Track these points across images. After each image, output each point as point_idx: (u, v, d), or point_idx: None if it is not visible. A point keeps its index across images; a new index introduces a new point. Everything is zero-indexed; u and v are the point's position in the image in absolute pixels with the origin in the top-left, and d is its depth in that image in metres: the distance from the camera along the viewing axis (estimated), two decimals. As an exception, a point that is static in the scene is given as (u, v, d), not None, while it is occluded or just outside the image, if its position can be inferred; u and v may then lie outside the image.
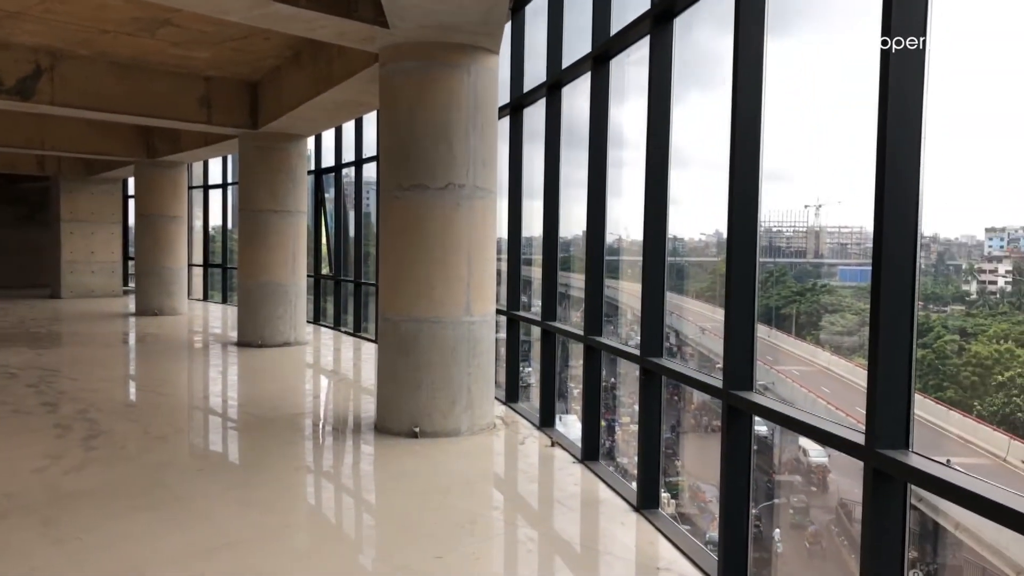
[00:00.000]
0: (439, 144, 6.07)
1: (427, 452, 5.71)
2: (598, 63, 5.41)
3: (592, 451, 5.49)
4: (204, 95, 10.41)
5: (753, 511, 3.94)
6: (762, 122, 3.58)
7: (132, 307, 15.60)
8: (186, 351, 11.11)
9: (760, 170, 3.61)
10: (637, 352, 4.68)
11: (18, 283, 21.16)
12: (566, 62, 6.05)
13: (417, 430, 6.08)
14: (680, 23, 4.46)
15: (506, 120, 7.32)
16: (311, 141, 14.17)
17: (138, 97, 9.86)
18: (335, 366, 10.11)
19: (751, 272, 3.64)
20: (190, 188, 18.51)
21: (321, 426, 6.53)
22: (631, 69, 5.31)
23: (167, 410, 7.06)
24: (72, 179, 18.59)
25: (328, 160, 13.85)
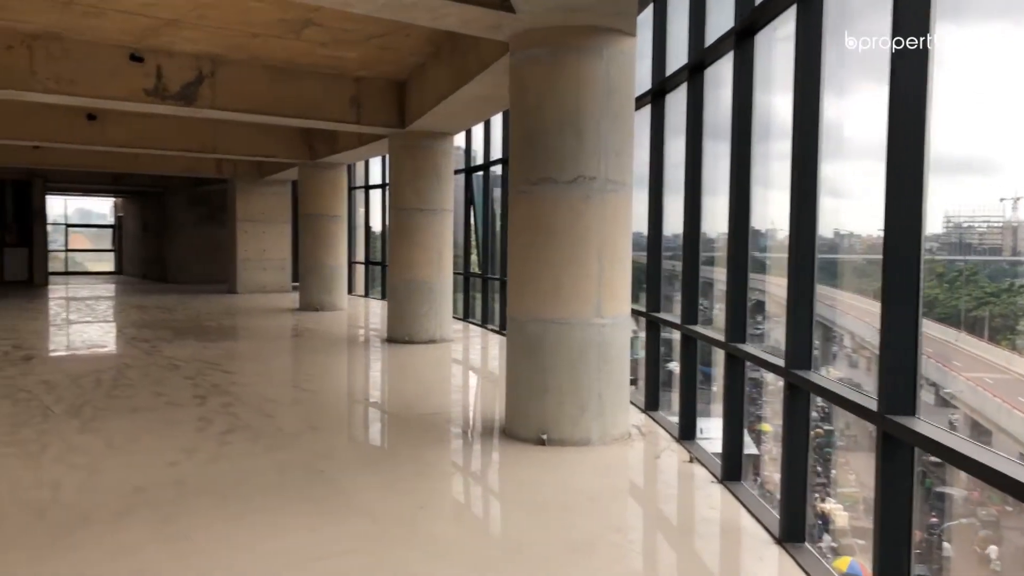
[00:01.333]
0: (567, 135, 5.71)
1: (552, 462, 5.37)
2: (741, 39, 4.86)
3: (733, 470, 4.95)
4: (355, 95, 10.56)
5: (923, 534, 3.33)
6: (927, 108, 2.97)
7: (297, 303, 16.26)
8: (336, 347, 11.35)
9: (925, 160, 2.99)
10: (781, 362, 4.12)
11: (202, 279, 22.75)
12: (709, 41, 5.52)
13: (544, 437, 5.75)
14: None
15: (647, 109, 6.86)
16: (462, 139, 14.20)
17: (291, 99, 10.14)
18: (474, 365, 9.97)
19: (913, 272, 3.03)
20: (353, 188, 19.16)
21: (450, 427, 6.33)
22: (781, 47, 4.73)
23: (305, 407, 7.13)
24: (246, 181, 19.69)
25: (479, 158, 13.82)
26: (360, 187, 19.42)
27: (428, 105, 9.58)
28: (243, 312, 15.45)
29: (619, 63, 5.81)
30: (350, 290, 19.12)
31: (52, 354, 9.73)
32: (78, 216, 32.97)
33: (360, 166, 19.00)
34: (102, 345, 10.88)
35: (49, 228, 28.38)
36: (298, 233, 16.89)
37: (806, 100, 3.94)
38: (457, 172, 14.52)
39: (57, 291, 20.31)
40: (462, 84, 8.09)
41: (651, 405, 6.88)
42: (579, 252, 5.75)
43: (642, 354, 7.18)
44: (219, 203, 22.66)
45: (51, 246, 28.51)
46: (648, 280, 6.88)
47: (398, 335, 11.24)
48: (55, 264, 28.33)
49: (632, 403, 7.06)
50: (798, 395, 3.99)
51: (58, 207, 31.27)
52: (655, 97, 6.67)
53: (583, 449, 5.66)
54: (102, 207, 32.88)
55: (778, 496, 4.11)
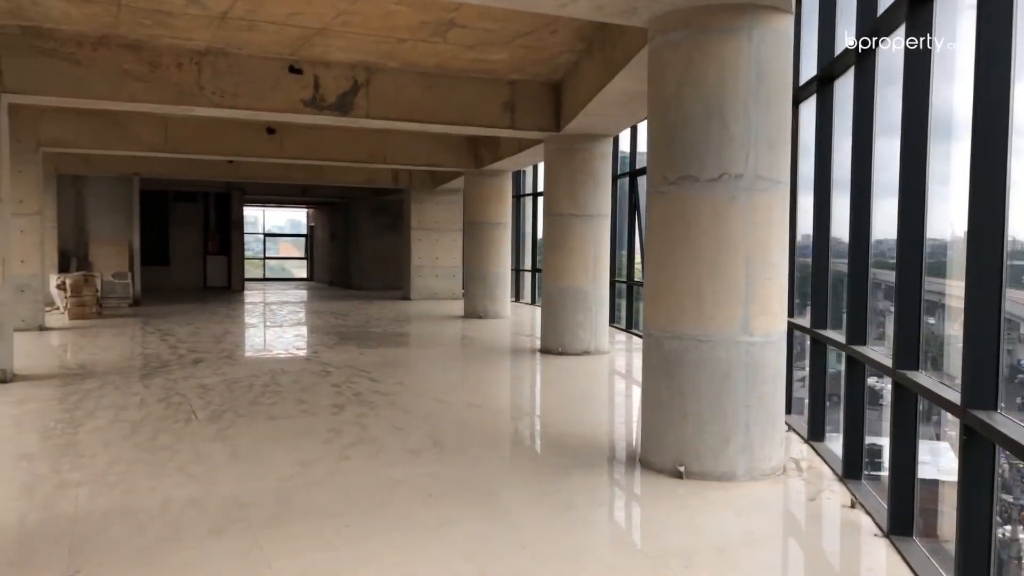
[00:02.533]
0: (710, 127, 5.04)
1: (687, 499, 4.72)
2: (915, 7, 4.02)
3: (902, 524, 4.09)
4: (508, 99, 10.29)
5: None
6: None
7: (461, 309, 16.29)
8: (487, 356, 11.13)
9: None
10: (957, 399, 3.29)
11: (381, 285, 23.54)
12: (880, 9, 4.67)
13: (681, 469, 5.10)
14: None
15: (809, 98, 6.02)
16: (626, 142, 13.61)
17: (443, 106, 10.01)
18: (626, 381, 9.36)
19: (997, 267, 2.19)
20: (522, 195, 19.05)
21: (582, 451, 5.81)
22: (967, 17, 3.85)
23: (436, 421, 6.86)
24: (420, 191, 20.11)
25: (642, 161, 13.16)
26: (528, 194, 19.27)
27: (580, 105, 9.13)
28: (409, 318, 15.66)
29: (771, 44, 5.07)
30: (518, 298, 19.01)
31: (220, 358, 10.14)
32: (290, 227, 35.34)
33: (529, 172, 18.86)
34: (267, 349, 11.27)
35: (251, 237, 30.60)
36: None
37: (991, 82, 3.11)
38: (621, 176, 13.98)
39: (250, 296, 21.69)
40: (609, 79, 7.56)
41: (815, 435, 6.02)
42: (723, 260, 5.06)
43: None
44: (398, 212, 23.36)
45: (250, 253, 30.72)
46: (813, 292, 6.04)
47: (551, 346, 10.84)
48: (256, 271, 30.49)
49: (793, 430, 6.24)
50: (977, 443, 3.15)
51: (261, 217, 33.69)
52: (821, 84, 5.82)
53: (725, 485, 4.96)
54: (302, 217, 35.06)
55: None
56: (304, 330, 14.40)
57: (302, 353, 11.08)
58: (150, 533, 4.13)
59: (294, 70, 9.22)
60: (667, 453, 5.24)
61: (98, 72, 8.50)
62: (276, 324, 15.55)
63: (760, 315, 5.10)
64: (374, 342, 12.06)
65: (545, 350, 10.91)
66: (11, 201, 12.24)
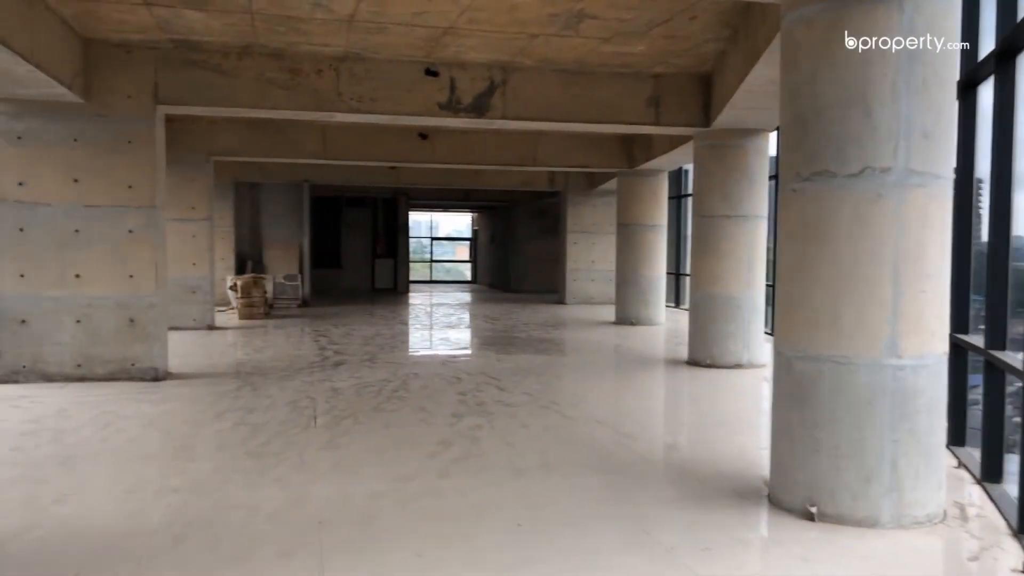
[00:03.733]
0: (851, 113, 4.31)
1: (814, 548, 4.03)
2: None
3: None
4: (653, 94, 9.70)
5: None
6: None
7: (613, 315, 15.75)
8: (630, 366, 10.57)
9: None
10: None
11: (539, 289, 23.39)
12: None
13: (813, 510, 4.39)
14: None
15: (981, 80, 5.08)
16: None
17: (583, 103, 9.58)
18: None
19: None
20: (682, 196, 18.23)
21: (702, 483, 5.20)
22: None
23: (553, 437, 6.44)
24: (576, 193, 19.75)
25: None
26: (689, 194, 18.36)
27: (726, 96, 8.41)
28: (558, 324, 15.30)
29: (928, 14, 4.26)
30: (677, 303, 18.20)
31: (361, 360, 10.23)
32: (456, 230, 36.16)
33: (692, 171, 17.98)
34: (409, 352, 11.28)
35: (421, 240, 31.48)
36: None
37: None
38: (771, 177, 12.92)
39: (412, 298, 22.18)
40: (750, 68, 6.86)
41: (991, 475, 5.07)
42: (865, 268, 4.31)
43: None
44: (556, 215, 23.12)
45: (420, 256, 31.60)
46: (988, 305, 5.10)
47: (699, 357, 10.12)
48: (423, 273, 31.33)
49: (966, 467, 5.32)
50: None
51: (429, 221, 34.64)
52: (1000, 59, 4.89)
53: (865, 533, 4.22)
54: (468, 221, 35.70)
55: None
56: (450, 333, 14.42)
57: (440, 357, 11.00)
58: (221, 550, 4.00)
59: (430, 72, 9.11)
60: (797, 491, 4.54)
61: (242, 81, 8.76)
62: (426, 326, 15.71)
63: (911, 334, 4.30)
64: (514, 348, 11.80)
65: (693, 362, 10.21)
66: (183, 207, 13.11)
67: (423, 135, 14.13)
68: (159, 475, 5.26)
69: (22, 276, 8.30)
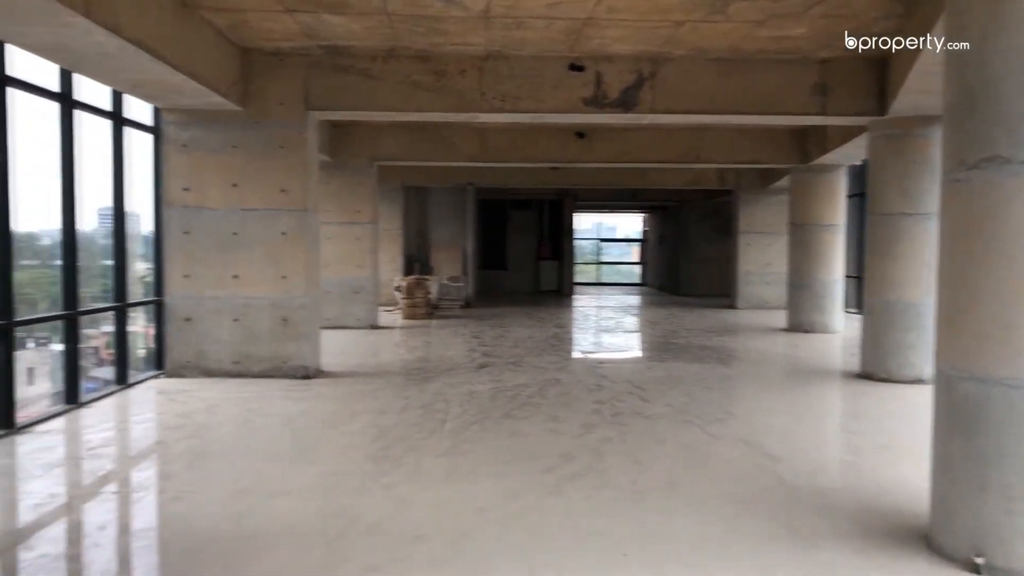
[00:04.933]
0: (1028, 86, 3.56)
1: (972, 612, 3.35)
2: None
3: None
4: (818, 81, 8.86)
5: None
6: None
7: (785, 321, 14.70)
8: (792, 379, 9.72)
9: None
10: None
11: (709, 292, 22.41)
12: None
13: (979, 561, 3.68)
14: None
15: None
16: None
17: (739, 94, 8.90)
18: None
19: None
20: (861, 195, 16.77)
21: (856, 518, 4.54)
22: None
23: (687, 456, 5.93)
24: (749, 191, 18.69)
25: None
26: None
27: (899, 80, 7.49)
28: (724, 329, 14.47)
29: None
30: (860, 309, 16.73)
31: (506, 363, 10.07)
32: (626, 232, 35.60)
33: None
34: (557, 356, 10.99)
35: (585, 243, 31.22)
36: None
37: None
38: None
39: (576, 301, 21.90)
40: (923, 42, 5.98)
41: None
42: (1048, 274, 3.55)
43: None
44: (727, 215, 22.07)
45: (589, 258, 31.31)
46: None
47: (873, 370, 9.13)
48: (590, 275, 31.00)
49: None
50: None
51: (598, 222, 34.27)
52: None
53: (1044, 596, 3.46)
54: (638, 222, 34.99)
55: None
56: (604, 338, 14.00)
57: (588, 362, 10.64)
58: (307, 561, 3.89)
59: (575, 67, 8.79)
60: (959, 535, 3.83)
61: (388, 84, 8.84)
62: (583, 329, 15.37)
63: (1111, 355, 3.49)
64: (668, 355, 11.22)
65: (865, 375, 9.23)
66: (348, 211, 13.55)
67: (580, 134, 13.81)
68: (276, 477, 5.28)
69: (187, 276, 8.80)
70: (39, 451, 5.85)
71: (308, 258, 8.94)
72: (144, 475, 5.50)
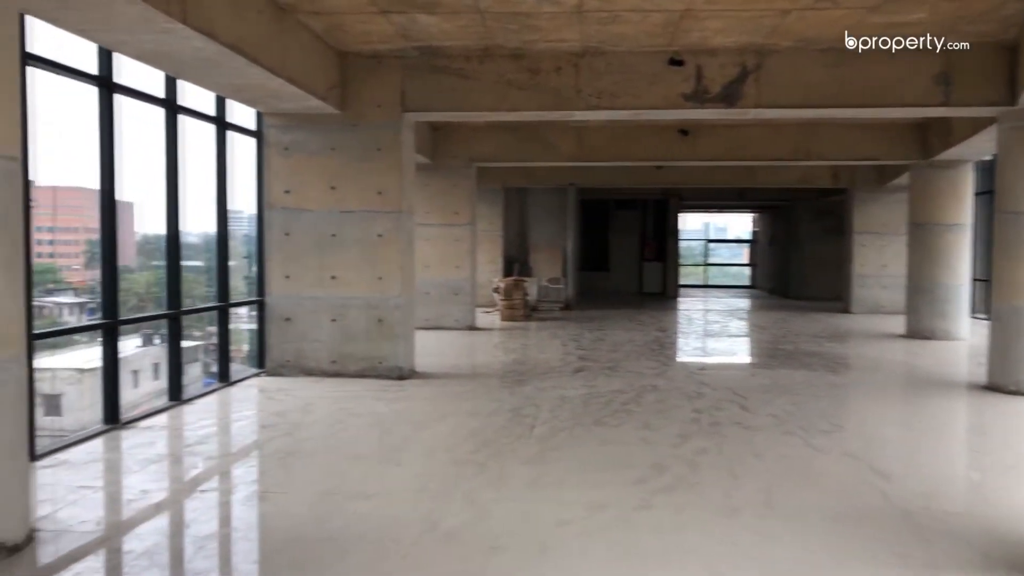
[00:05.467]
0: None
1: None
2: None
3: None
4: (942, 70, 8.25)
5: None
6: None
7: (903, 327, 13.84)
8: (912, 389, 9.11)
9: None
10: None
11: (822, 295, 21.46)
12: None
13: (1123, 607, 3.23)
14: None
15: None
16: None
17: (852, 85, 8.38)
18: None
19: None
20: (990, 192, 15.63)
21: (976, 545, 4.13)
22: None
23: (786, 470, 5.56)
24: (864, 190, 17.77)
25: None
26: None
27: (1032, 66, 6.85)
28: (836, 335, 13.74)
29: None
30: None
31: (602, 368, 9.83)
32: (735, 232, 34.64)
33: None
34: (657, 361, 10.64)
35: (692, 243, 30.50)
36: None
37: None
38: None
39: (681, 304, 21.36)
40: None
41: None
42: None
43: None
44: (841, 215, 21.04)
45: (695, 259, 30.57)
46: None
47: (1001, 381, 8.44)
48: (697, 277, 30.23)
49: None
50: None
51: (706, 222, 33.41)
52: None
53: None
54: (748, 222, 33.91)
55: None
56: (708, 342, 13.52)
57: (688, 368, 10.26)
58: (380, 570, 3.80)
59: (674, 62, 8.48)
60: (1099, 576, 3.38)
61: (483, 84, 8.76)
62: (686, 333, 14.92)
63: None
64: (775, 362, 10.71)
65: (992, 387, 8.53)
66: (447, 212, 13.62)
67: (684, 131, 13.40)
68: (360, 478, 5.25)
69: (287, 277, 8.97)
70: (139, 447, 6.03)
71: (403, 259, 8.96)
72: (234, 474, 5.57)
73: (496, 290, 16.33)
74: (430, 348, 10.98)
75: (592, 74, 8.63)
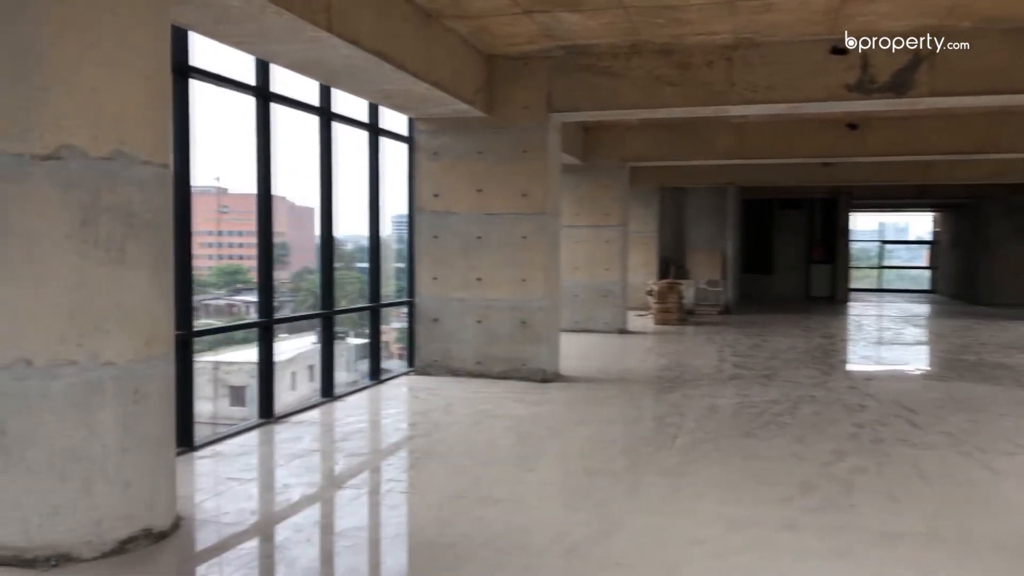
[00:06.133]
0: None
1: None
2: None
3: None
4: None
5: None
6: None
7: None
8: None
9: None
10: None
11: (1013, 302, 19.57)
12: None
13: None
14: None
15: None
16: None
17: (1043, 67, 7.49)
18: None
19: None
20: None
21: None
22: None
23: (961, 497, 4.99)
24: (1066, 184, 15.99)
25: None
26: None
27: None
28: (1029, 346, 12.42)
29: None
30: None
31: (758, 376, 9.32)
32: (913, 233, 32.30)
33: None
34: (818, 371, 9.95)
35: (866, 245, 28.64)
36: None
37: None
38: None
39: (852, 308, 20.08)
40: None
41: None
42: None
43: None
44: (1038, 212, 19.11)
45: (870, 262, 28.68)
46: None
47: None
48: (870, 280, 28.36)
49: None
50: None
51: (880, 223, 31.27)
52: None
53: None
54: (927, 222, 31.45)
55: None
56: (879, 351, 12.57)
57: (853, 378, 9.54)
58: (499, 578, 3.71)
59: (837, 51, 7.90)
60: None
61: (630, 81, 8.53)
62: (854, 340, 13.96)
63: None
64: (953, 373, 9.78)
65: None
66: (597, 214, 13.47)
67: (852, 125, 12.54)
68: (491, 483, 5.19)
69: (435, 279, 9.12)
70: (287, 441, 6.27)
71: (547, 261, 8.89)
72: (369, 473, 5.65)
73: (649, 293, 15.97)
74: (577, 351, 10.86)
75: (746, 67, 8.20)
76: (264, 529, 4.39)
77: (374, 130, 8.83)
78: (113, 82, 3.84)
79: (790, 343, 12.58)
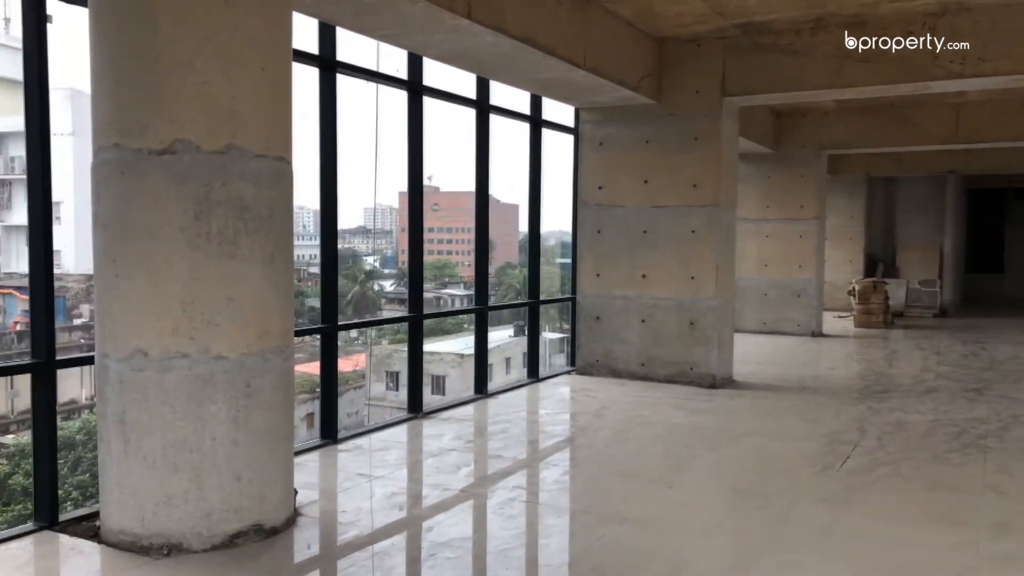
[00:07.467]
0: None
1: None
2: None
3: None
4: None
5: None
6: None
7: None
8: None
9: None
10: None
11: None
12: None
13: None
14: None
15: None
16: None
17: None
18: None
19: None
20: None
21: None
22: None
23: None
24: None
25: None
26: None
27: None
28: None
29: None
30: None
31: (964, 389, 8.11)
32: None
33: None
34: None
35: None
36: None
37: None
38: None
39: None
40: None
41: None
42: None
43: None
44: None
45: None
46: None
47: None
48: None
49: None
50: None
51: None
52: None
53: None
54: None
55: None
56: None
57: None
58: (599, 611, 3.32)
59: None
60: None
61: (812, 60, 7.72)
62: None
63: None
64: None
65: None
66: (790, 206, 12.53)
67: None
68: (622, 499, 4.77)
69: (598, 275, 8.75)
70: (428, 438, 6.19)
71: (719, 258, 8.25)
72: (496, 479, 5.37)
73: (850, 292, 14.62)
74: (759, 354, 10.08)
75: (952, 34, 7.14)
76: (374, 534, 4.26)
77: (535, 122, 8.60)
78: (226, 76, 3.84)
79: (1014, 352, 10.98)
